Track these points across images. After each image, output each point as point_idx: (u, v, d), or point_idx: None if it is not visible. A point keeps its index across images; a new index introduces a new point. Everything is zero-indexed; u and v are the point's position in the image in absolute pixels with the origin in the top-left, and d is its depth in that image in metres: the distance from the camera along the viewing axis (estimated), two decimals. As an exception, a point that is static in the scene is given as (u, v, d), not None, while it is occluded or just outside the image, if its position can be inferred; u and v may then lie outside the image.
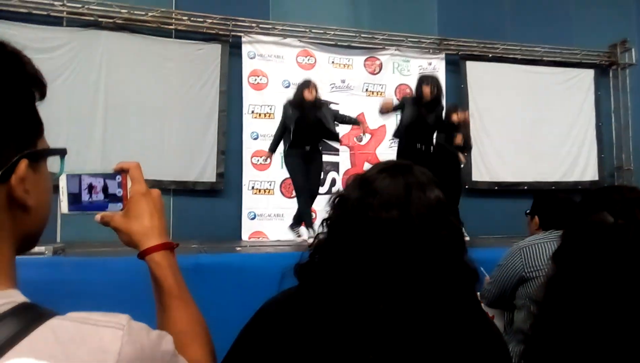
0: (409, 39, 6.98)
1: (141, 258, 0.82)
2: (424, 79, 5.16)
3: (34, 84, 0.60)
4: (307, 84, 5.01)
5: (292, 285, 0.91)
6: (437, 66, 6.96)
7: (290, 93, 5.33)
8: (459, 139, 5.23)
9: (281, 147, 5.14)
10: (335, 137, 5.23)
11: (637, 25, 7.90)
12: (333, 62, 6.79)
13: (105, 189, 0.82)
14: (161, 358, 0.57)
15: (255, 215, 6.28)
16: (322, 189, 5.49)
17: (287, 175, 5.36)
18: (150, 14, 6.02)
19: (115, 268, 3.01)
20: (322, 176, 5.50)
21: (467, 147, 5.53)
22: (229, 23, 6.31)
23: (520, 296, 2.36)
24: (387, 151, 6.58)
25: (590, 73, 7.70)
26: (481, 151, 6.99)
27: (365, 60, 6.89)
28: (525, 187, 7.03)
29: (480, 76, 7.21)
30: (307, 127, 4.90)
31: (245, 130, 6.36)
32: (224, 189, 6.29)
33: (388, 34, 6.88)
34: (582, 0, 7.61)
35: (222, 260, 3.53)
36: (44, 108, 0.62)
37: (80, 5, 5.76)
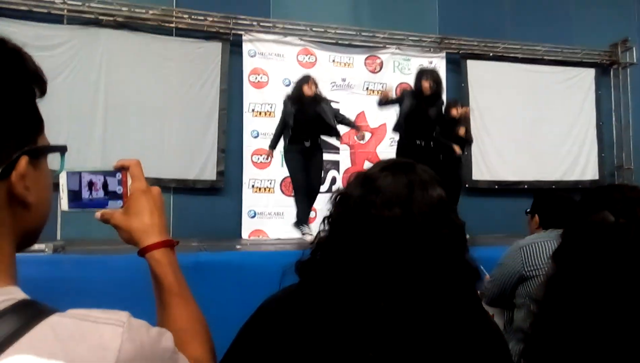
0: (410, 38, 6.98)
1: (141, 256, 0.82)
2: (423, 73, 5.12)
3: (34, 81, 0.60)
4: (306, 80, 5.00)
5: (293, 282, 0.91)
6: (438, 65, 6.94)
7: (290, 91, 5.33)
8: (461, 131, 5.20)
9: (282, 144, 5.13)
10: (335, 133, 5.18)
11: (638, 25, 7.89)
12: (334, 60, 6.79)
13: (105, 186, 0.82)
14: (161, 355, 0.57)
15: (255, 213, 6.28)
16: (322, 188, 5.47)
17: (288, 174, 5.34)
18: (150, 12, 6.01)
19: (115, 265, 3.01)
20: (322, 174, 5.47)
21: (467, 141, 5.51)
22: (229, 21, 6.30)
23: (520, 295, 2.36)
24: (388, 150, 6.58)
25: (591, 72, 7.70)
26: (481, 150, 6.99)
27: (366, 59, 6.89)
28: (526, 186, 7.03)
29: (480, 74, 7.20)
30: (307, 123, 4.87)
31: (246, 128, 6.36)
32: (224, 187, 6.29)
33: (389, 32, 6.87)
34: (583, -1, 7.62)
35: (222, 258, 3.53)
36: (44, 106, 0.62)
37: (80, 3, 5.75)
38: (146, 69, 5.99)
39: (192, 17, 6.17)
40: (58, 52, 5.60)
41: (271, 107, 6.34)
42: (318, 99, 5.01)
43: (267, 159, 5.72)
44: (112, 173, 0.83)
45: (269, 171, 6.30)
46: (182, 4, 6.19)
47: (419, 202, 0.82)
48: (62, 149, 0.66)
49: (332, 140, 5.88)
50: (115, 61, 5.89)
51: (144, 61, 6.01)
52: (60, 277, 2.87)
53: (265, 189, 6.36)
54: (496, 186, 7.09)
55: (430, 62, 6.89)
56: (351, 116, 6.70)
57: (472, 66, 7.21)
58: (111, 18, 5.88)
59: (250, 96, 6.41)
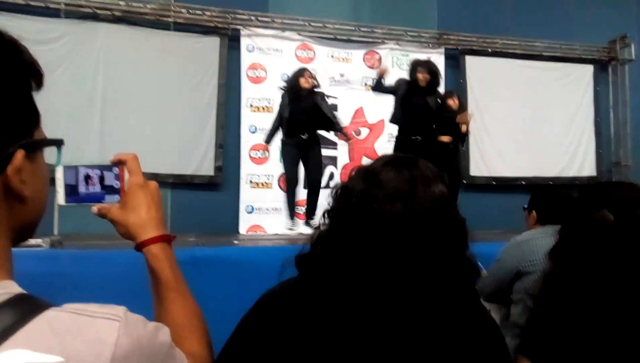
0: (409, 34, 6.97)
1: (138, 250, 0.82)
2: (418, 65, 5.04)
3: (30, 74, 0.59)
4: (301, 72, 4.96)
5: (292, 276, 0.91)
6: (437, 61, 6.88)
7: (286, 84, 5.31)
8: (463, 128, 5.15)
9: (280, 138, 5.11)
10: (333, 126, 5.16)
11: (636, 21, 7.89)
12: (332, 56, 6.77)
13: (102, 180, 0.82)
14: (158, 350, 0.57)
15: (253, 209, 6.28)
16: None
17: (285, 169, 5.34)
18: (148, 6, 5.99)
19: (112, 260, 3.01)
20: (322, 167, 5.42)
21: (465, 135, 5.46)
22: (227, 16, 6.28)
23: (517, 290, 2.36)
24: (386, 145, 6.58)
25: (589, 68, 7.70)
26: (479, 146, 7.00)
27: (365, 54, 6.88)
28: (523, 182, 7.04)
29: (479, 70, 7.20)
30: (303, 115, 4.84)
31: (244, 123, 6.35)
32: (222, 182, 6.28)
33: (387, 28, 6.86)
34: (582, -4, 7.61)
35: (219, 253, 3.53)
36: (41, 99, 0.62)
37: (78, -3, 5.73)
38: (144, 64, 5.97)
39: (190, 11, 6.15)
40: (55, 46, 5.57)
41: (269, 103, 6.33)
42: (315, 93, 4.99)
43: (262, 152, 5.72)
44: (109, 168, 0.82)
45: (267, 166, 6.29)
46: (180, -1, 6.18)
47: (421, 198, 0.82)
48: (58, 143, 0.66)
49: (331, 135, 5.88)
50: (113, 56, 5.86)
51: (142, 56, 5.99)
52: (57, 272, 2.86)
53: (263, 184, 6.35)
54: (494, 182, 7.10)
55: (429, 58, 6.87)
56: (350, 111, 6.72)
57: (470, 61, 7.20)
58: (109, 12, 5.85)
59: (249, 91, 6.40)
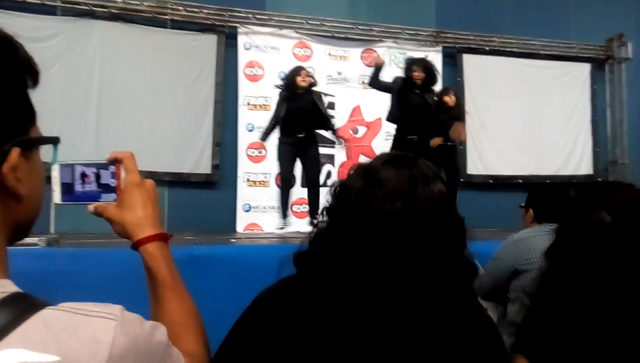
0: (406, 32, 6.97)
1: (135, 249, 0.81)
2: (413, 63, 5.02)
3: (26, 71, 0.59)
4: (298, 71, 4.94)
5: (290, 274, 0.91)
6: (434, 59, 6.89)
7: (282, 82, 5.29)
8: (462, 136, 5.17)
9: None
10: (330, 126, 5.15)
11: (633, 20, 7.91)
12: (330, 54, 6.77)
13: (98, 179, 0.82)
14: (155, 349, 0.57)
15: (250, 207, 6.27)
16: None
17: (282, 167, 5.33)
18: (145, 3, 5.97)
19: (109, 259, 3.00)
20: (320, 165, 5.41)
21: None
22: (225, 14, 6.27)
23: (514, 289, 2.36)
24: (383, 144, 6.58)
25: (586, 67, 7.72)
26: (476, 145, 7.01)
27: (362, 52, 6.87)
28: (520, 180, 7.06)
29: (477, 69, 7.21)
30: (300, 114, 4.82)
31: (241, 122, 6.34)
32: (219, 181, 6.28)
33: (385, 26, 6.85)
34: (579, -6, 7.62)
35: (216, 252, 3.52)
36: (37, 97, 0.61)
37: (74, -6, 5.71)
38: (140, 62, 5.95)
39: (187, 9, 6.13)
40: (51, 43, 5.55)
41: (266, 101, 6.31)
42: (312, 91, 4.98)
43: (259, 152, 5.71)
44: (105, 166, 0.82)
45: (264, 164, 6.28)
46: (177, -4, 6.16)
47: (420, 197, 0.82)
48: (54, 141, 0.66)
49: (328, 134, 5.88)
50: (110, 53, 5.84)
51: (139, 53, 5.97)
52: (54, 271, 2.85)
53: (260, 183, 6.35)
54: (491, 181, 7.11)
55: (427, 56, 6.87)
56: (347, 109, 6.72)
57: (468, 60, 7.21)
58: (105, 10, 5.83)
59: (246, 89, 6.39)
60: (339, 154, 6.64)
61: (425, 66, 5.00)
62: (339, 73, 6.76)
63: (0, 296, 0.51)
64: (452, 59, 7.20)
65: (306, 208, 6.08)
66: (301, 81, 4.86)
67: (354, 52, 6.85)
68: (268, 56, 6.50)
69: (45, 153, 0.65)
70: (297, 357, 0.81)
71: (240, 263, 3.24)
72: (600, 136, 7.71)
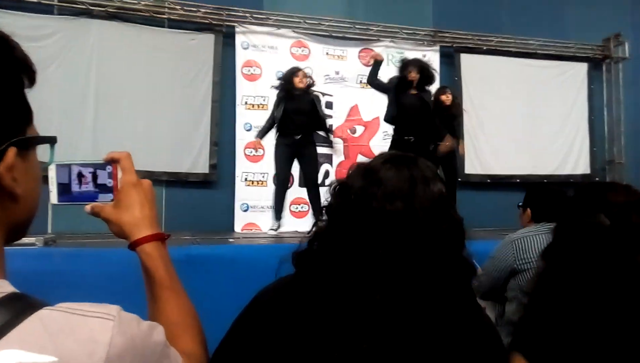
0: (404, 31, 6.97)
1: (132, 249, 0.81)
2: (409, 64, 5.01)
3: (22, 70, 0.59)
4: (295, 72, 4.93)
5: (289, 272, 0.91)
6: (432, 58, 6.91)
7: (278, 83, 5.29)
8: (461, 149, 5.26)
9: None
10: (326, 129, 5.14)
11: (630, 20, 7.93)
12: (327, 53, 6.76)
13: (95, 179, 0.81)
14: (152, 349, 0.57)
15: (248, 207, 6.27)
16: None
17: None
18: (142, 2, 5.96)
19: (106, 259, 3.00)
20: (317, 166, 5.39)
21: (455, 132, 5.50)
22: (222, 13, 6.26)
23: (512, 288, 2.37)
24: (381, 143, 6.58)
25: (583, 67, 7.74)
26: (474, 144, 7.01)
27: (360, 51, 6.87)
28: (518, 180, 7.07)
29: (474, 68, 7.21)
30: (297, 115, 4.80)
31: (239, 121, 6.33)
32: (217, 180, 6.27)
33: (383, 25, 6.85)
34: (576, -6, 7.63)
35: (214, 252, 3.52)
36: (34, 97, 0.61)
37: (71, -7, 5.69)
38: (138, 61, 5.94)
39: (185, 8, 6.12)
40: (48, 42, 5.54)
41: (264, 100, 6.31)
42: (310, 93, 4.97)
43: (256, 151, 5.70)
44: (102, 166, 0.82)
45: (262, 164, 6.27)
46: (175, -5, 6.15)
47: (420, 197, 0.82)
48: (51, 141, 0.66)
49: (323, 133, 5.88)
50: (107, 52, 5.83)
51: (136, 53, 5.96)
52: (51, 270, 2.85)
53: (258, 182, 6.34)
54: (488, 180, 7.12)
55: (424, 56, 6.88)
56: (345, 108, 6.72)
57: (465, 59, 7.21)
58: (102, 9, 5.82)
59: (243, 89, 6.38)
60: (337, 153, 6.63)
61: (421, 66, 4.99)
62: (337, 72, 6.76)
63: (-2, 297, 0.51)
64: (450, 58, 7.20)
65: (304, 207, 6.08)
66: (298, 82, 4.85)
67: (352, 52, 6.84)
68: (266, 55, 6.49)
69: (42, 152, 0.65)
70: (295, 356, 0.81)
71: (238, 262, 3.25)
72: (597, 135, 7.73)
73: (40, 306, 0.52)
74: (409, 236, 0.80)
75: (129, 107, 5.86)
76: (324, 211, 0.89)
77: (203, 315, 0.83)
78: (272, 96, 5.36)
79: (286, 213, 5.15)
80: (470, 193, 6.72)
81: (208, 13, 6.21)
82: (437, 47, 7.11)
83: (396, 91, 4.95)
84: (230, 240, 4.88)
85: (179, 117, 6.08)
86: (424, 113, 4.96)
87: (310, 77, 5.08)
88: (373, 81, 5.12)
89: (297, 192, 6.06)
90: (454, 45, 7.17)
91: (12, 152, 0.56)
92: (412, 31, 7.00)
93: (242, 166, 6.31)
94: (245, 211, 6.26)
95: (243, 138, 6.31)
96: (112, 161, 0.82)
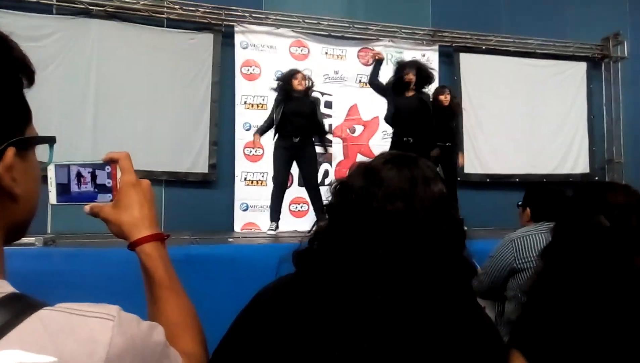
0: (403, 30, 6.96)
1: (131, 249, 0.81)
2: (405, 65, 5.00)
3: (21, 70, 0.59)
4: (294, 74, 4.91)
5: (289, 272, 0.91)
6: (431, 58, 6.95)
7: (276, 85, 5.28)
8: (460, 160, 5.42)
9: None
10: (324, 133, 5.13)
11: (629, 19, 7.94)
12: (326, 52, 6.76)
13: (94, 179, 0.81)
14: (152, 349, 0.57)
15: (247, 206, 6.26)
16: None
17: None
18: (141, 2, 5.95)
19: (106, 259, 2.99)
20: (317, 167, 5.38)
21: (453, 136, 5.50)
22: (221, 12, 6.26)
23: (511, 287, 2.37)
24: (381, 143, 6.58)
25: (582, 66, 7.74)
26: (473, 143, 7.02)
27: (359, 51, 6.87)
28: (517, 179, 7.07)
29: (473, 68, 7.21)
30: (296, 117, 4.79)
31: (238, 121, 6.33)
32: (216, 180, 6.27)
33: (382, 25, 6.85)
34: (575, -7, 7.64)
35: (214, 251, 3.52)
36: (33, 97, 0.61)
37: (70, -7, 5.69)
38: (137, 61, 5.93)
39: (184, 8, 6.12)
40: (47, 42, 5.53)
41: (263, 100, 6.31)
42: (309, 95, 4.96)
43: (255, 150, 5.70)
44: (101, 166, 0.81)
45: (261, 163, 6.27)
46: (174, -5, 6.15)
47: (421, 197, 0.82)
48: (51, 141, 0.65)
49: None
50: (106, 52, 5.83)
51: (135, 52, 5.95)
52: (50, 270, 2.85)
53: (257, 182, 6.34)
54: (488, 180, 7.13)
55: (423, 55, 6.89)
56: (344, 108, 6.72)
57: (464, 59, 7.21)
58: (101, 8, 5.81)
59: (243, 88, 6.38)
60: (337, 153, 6.64)
61: (418, 67, 4.98)
62: (336, 72, 6.75)
63: (-3, 297, 0.51)
64: (449, 58, 7.20)
65: (304, 206, 6.08)
66: (297, 84, 4.85)
67: (351, 51, 6.84)
68: (265, 55, 6.49)
69: (41, 152, 0.65)
70: (295, 355, 0.81)
71: (237, 262, 3.24)
72: (596, 134, 7.73)
73: (40, 307, 0.52)
74: (410, 236, 0.80)
75: (129, 107, 5.85)
76: (324, 210, 0.89)
77: (203, 315, 0.83)
78: (272, 95, 5.35)
79: (286, 212, 5.14)
80: (470, 193, 6.72)
81: (207, 13, 6.20)
82: (436, 47, 7.11)
83: (393, 92, 4.95)
84: (230, 239, 4.88)
85: (179, 117, 6.07)
86: (422, 114, 4.94)
87: (309, 79, 5.06)
88: (373, 82, 5.12)
89: (296, 191, 6.06)
90: (453, 44, 7.17)
91: (11, 152, 0.56)
92: (411, 31, 6.99)
93: (242, 166, 6.31)
94: (245, 210, 6.26)
95: (242, 137, 6.31)
96: (111, 161, 0.82)
